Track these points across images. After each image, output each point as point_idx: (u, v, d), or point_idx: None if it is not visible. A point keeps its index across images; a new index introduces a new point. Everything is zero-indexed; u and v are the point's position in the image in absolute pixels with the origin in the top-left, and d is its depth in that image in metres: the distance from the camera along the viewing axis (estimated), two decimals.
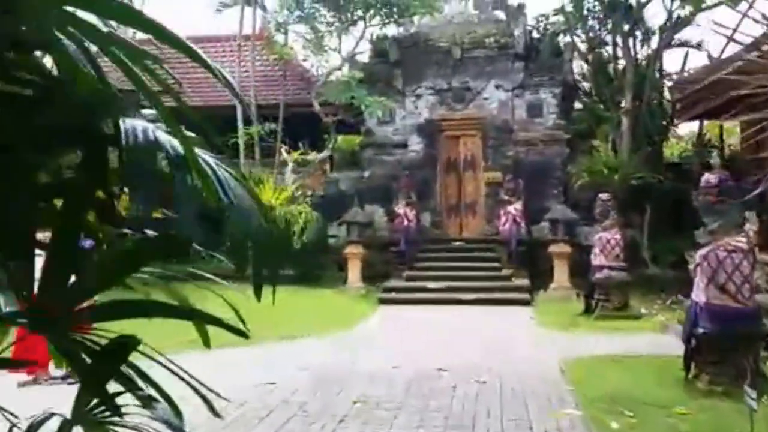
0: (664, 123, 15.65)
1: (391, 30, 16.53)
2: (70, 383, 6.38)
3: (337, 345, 8.52)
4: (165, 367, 1.42)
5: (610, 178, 13.26)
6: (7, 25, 0.90)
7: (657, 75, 15.36)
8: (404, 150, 15.69)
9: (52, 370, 6.41)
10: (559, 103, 14.94)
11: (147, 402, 1.18)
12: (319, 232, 14.64)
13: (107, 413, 1.09)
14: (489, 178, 15.07)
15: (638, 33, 15.32)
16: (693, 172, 13.78)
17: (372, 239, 14.39)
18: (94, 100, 1.05)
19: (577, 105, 17.00)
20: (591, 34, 15.83)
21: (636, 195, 13.22)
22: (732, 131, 17.81)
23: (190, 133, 1.17)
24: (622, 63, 15.57)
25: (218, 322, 1.23)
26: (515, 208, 13.68)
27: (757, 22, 4.27)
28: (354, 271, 13.57)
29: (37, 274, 1.18)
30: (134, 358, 1.38)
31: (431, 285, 12.74)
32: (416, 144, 15.64)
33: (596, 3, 15.32)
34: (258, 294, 1.17)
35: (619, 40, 15.13)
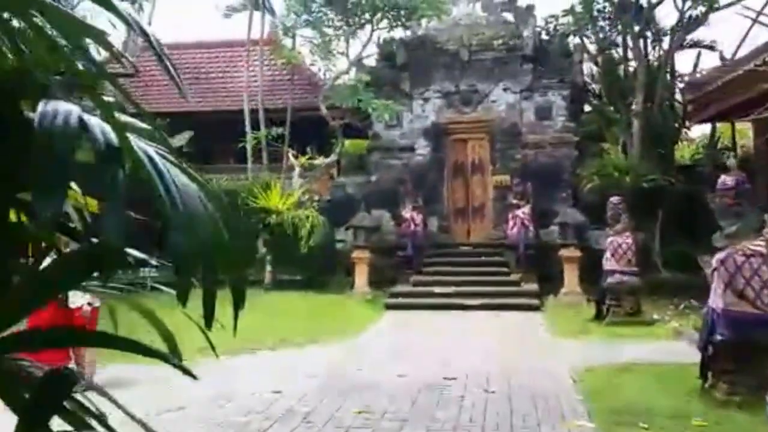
0: (676, 125, 15.35)
1: (399, 33, 16.41)
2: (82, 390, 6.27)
3: (344, 352, 8.33)
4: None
5: (620, 180, 12.99)
6: None
7: (668, 76, 15.07)
8: (411, 154, 15.52)
9: None
10: (569, 106, 14.71)
11: None
12: (326, 237, 14.51)
13: None
14: (497, 181, 14.85)
15: (649, 34, 15.03)
16: (706, 175, 13.50)
17: (379, 244, 14.22)
18: (9, 78, 0.87)
19: (587, 107, 16.74)
20: (601, 35, 15.57)
21: (647, 198, 12.93)
22: (744, 133, 17.47)
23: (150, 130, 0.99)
24: (632, 64, 15.32)
25: (151, 353, 1.02)
26: (524, 211, 13.45)
27: None
28: (361, 275, 13.39)
29: None
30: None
31: (438, 290, 12.53)
32: (423, 147, 15.46)
33: (606, 3, 15.07)
34: (208, 317, 0.96)
35: (629, 41, 14.87)
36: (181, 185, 0.82)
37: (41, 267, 0.91)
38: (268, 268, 13.98)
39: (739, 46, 14.07)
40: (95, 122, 0.77)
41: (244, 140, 16.65)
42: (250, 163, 16.88)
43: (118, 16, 0.89)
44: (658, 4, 14.70)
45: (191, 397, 5.97)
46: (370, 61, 16.44)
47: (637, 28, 14.57)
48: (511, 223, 13.54)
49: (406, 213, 14.13)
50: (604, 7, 15.15)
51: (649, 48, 15.31)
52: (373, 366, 7.37)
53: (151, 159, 0.80)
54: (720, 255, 6.00)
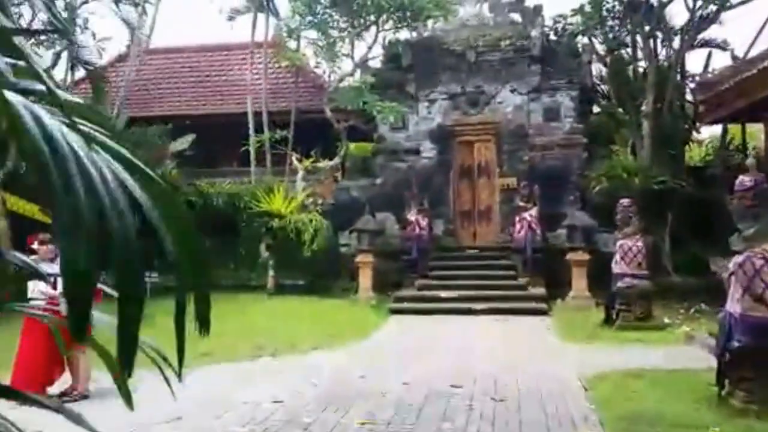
0: (686, 126, 15.13)
1: (404, 34, 16.28)
2: (65, 401, 6.14)
3: (347, 358, 8.16)
4: None
5: (630, 182, 12.79)
6: None
7: (679, 76, 14.86)
8: (417, 156, 15.38)
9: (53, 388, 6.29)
10: (577, 107, 14.52)
11: None
12: (330, 241, 14.37)
13: None
14: (504, 184, 14.68)
15: (659, 33, 14.82)
16: (717, 177, 13.29)
17: (383, 248, 14.06)
18: None
19: (595, 109, 16.54)
20: (610, 35, 15.38)
21: (657, 200, 12.73)
22: (754, 135, 17.24)
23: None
24: (642, 65, 15.13)
25: None
26: (531, 214, 13.27)
27: None
28: (365, 280, 13.24)
29: None
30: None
31: (444, 294, 12.36)
32: (429, 150, 15.31)
33: (616, 3, 14.87)
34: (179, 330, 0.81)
35: (639, 40, 14.67)
36: (88, 161, 0.65)
37: None
38: (271, 272, 13.84)
39: (751, 45, 13.91)
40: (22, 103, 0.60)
41: (247, 143, 16.55)
42: (254, 166, 16.77)
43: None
44: (668, 2, 14.51)
45: (189, 407, 5.81)
46: (376, 63, 16.33)
47: (647, 28, 14.37)
48: (518, 226, 13.36)
49: (411, 216, 13.97)
50: (614, 7, 14.96)
51: (659, 48, 15.12)
52: (378, 373, 7.20)
53: (37, 120, 0.62)
54: (738, 258, 5.80)
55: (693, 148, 17.56)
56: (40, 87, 0.70)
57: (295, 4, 15.68)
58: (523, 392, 6.20)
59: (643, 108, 14.23)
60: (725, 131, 15.21)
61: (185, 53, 21.24)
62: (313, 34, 16.10)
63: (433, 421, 5.36)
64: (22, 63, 0.69)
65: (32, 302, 6.15)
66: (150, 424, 5.20)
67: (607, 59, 15.79)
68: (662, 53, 15.21)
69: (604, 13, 14.96)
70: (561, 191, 13.99)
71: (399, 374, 7.08)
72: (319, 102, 15.99)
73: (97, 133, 0.72)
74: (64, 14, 15.21)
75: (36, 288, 6.10)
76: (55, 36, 15.07)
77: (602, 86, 16.66)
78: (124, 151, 0.73)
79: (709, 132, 18.24)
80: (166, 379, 1.16)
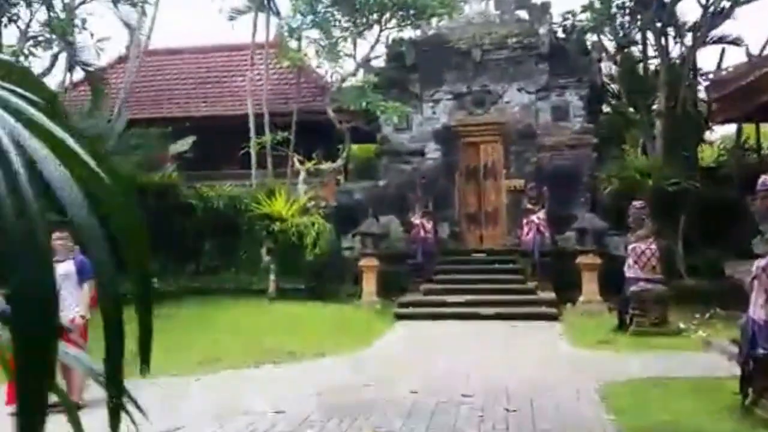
0: (699, 125, 14.91)
1: (408, 33, 16.12)
2: (59, 411, 5.96)
3: (352, 366, 7.96)
4: None
5: (642, 183, 12.58)
6: None
7: (691, 74, 14.65)
8: (421, 158, 15.20)
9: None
10: (586, 106, 14.32)
11: None
12: (333, 245, 14.20)
13: None
14: (511, 185, 14.49)
15: (671, 30, 14.61)
16: (732, 177, 13.08)
17: (387, 251, 13.90)
18: None
19: (605, 108, 16.33)
20: (620, 33, 15.18)
21: (670, 201, 12.51)
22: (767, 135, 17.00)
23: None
24: (653, 62, 14.94)
25: None
26: (539, 217, 13.07)
27: None
28: (369, 284, 13.05)
29: None
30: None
31: (450, 299, 12.16)
32: (434, 151, 15.14)
33: None
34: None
35: (650, 37, 14.47)
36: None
37: None
38: (272, 277, 13.65)
39: (767, 42, 13.69)
40: None
41: (248, 145, 16.40)
42: (255, 168, 16.61)
43: None
44: None
45: (189, 417, 5.64)
46: (379, 63, 16.16)
47: (658, 24, 14.16)
48: (526, 228, 13.16)
49: (416, 219, 13.79)
50: (624, 3, 14.76)
51: (671, 45, 14.92)
52: (384, 381, 7.00)
53: None
54: (761, 262, 5.59)
55: (705, 148, 17.33)
56: None
57: (296, 3, 15.53)
58: (536, 402, 5.99)
59: (656, 106, 14.02)
60: (740, 130, 14.98)
61: (185, 54, 21.14)
62: (314, 33, 15.97)
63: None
64: None
65: None
66: None
67: (617, 57, 15.61)
68: (674, 50, 15.02)
69: (614, 10, 14.78)
70: (570, 193, 13.79)
71: (406, 382, 6.87)
72: (321, 103, 15.84)
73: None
74: (62, 15, 15.08)
75: None
76: (53, 37, 14.97)
77: (612, 85, 16.46)
78: (59, 131, 0.55)
79: (721, 131, 18.03)
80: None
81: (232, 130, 17.47)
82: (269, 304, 12.91)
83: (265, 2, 17.44)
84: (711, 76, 14.68)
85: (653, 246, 9.96)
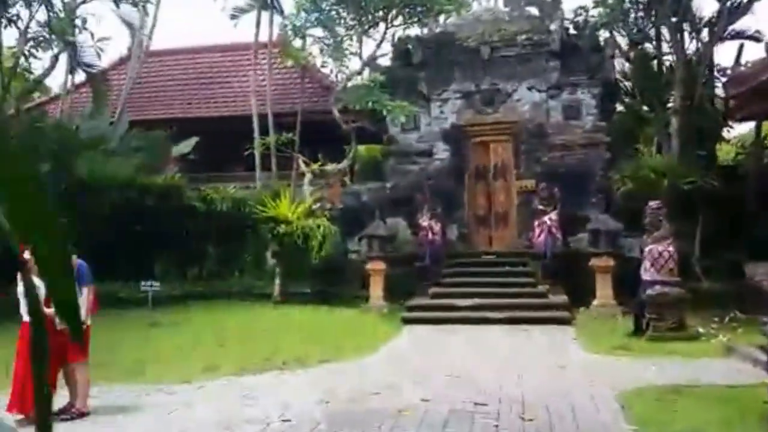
0: (717, 122, 14.67)
1: (415, 31, 15.98)
2: (63, 419, 5.86)
3: (359, 372, 7.81)
4: None
5: (657, 183, 12.36)
6: None
7: (708, 70, 14.42)
8: (429, 158, 15.04)
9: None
10: (599, 104, 14.11)
11: None
12: (339, 247, 14.08)
13: None
14: (521, 186, 14.31)
15: (686, 25, 14.38)
16: (750, 176, 12.86)
17: (395, 254, 13.75)
18: None
19: (618, 106, 16.10)
20: (634, 28, 14.95)
21: (686, 202, 12.30)
22: None
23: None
24: (667, 59, 14.71)
25: None
26: (551, 218, 12.89)
27: None
28: (376, 288, 12.90)
29: None
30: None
31: (459, 303, 11.99)
32: (442, 151, 14.98)
33: None
34: None
35: (665, 33, 14.25)
36: None
37: None
38: (277, 280, 13.52)
39: None
40: None
41: (252, 146, 16.29)
42: (259, 170, 16.50)
43: None
44: None
45: (192, 426, 5.49)
46: (385, 61, 16.02)
47: (673, 20, 13.93)
48: (537, 230, 12.98)
49: (424, 221, 13.64)
50: None
51: (687, 40, 14.66)
52: (393, 388, 6.84)
53: None
54: None
55: (722, 147, 17.07)
56: None
57: (300, 1, 15.41)
58: (553, 411, 5.82)
59: (671, 104, 13.80)
60: (759, 128, 14.74)
61: (188, 54, 21.09)
62: (319, 31, 15.85)
63: None
64: None
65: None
66: None
67: (631, 54, 15.39)
68: (690, 46, 14.78)
69: (628, 5, 14.57)
70: (583, 193, 13.58)
71: (416, 389, 6.72)
72: (327, 103, 15.71)
73: None
74: (62, 15, 15.02)
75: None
76: (53, 37, 14.90)
77: (625, 82, 16.23)
78: None
79: (739, 129, 17.75)
80: None
81: (236, 131, 17.37)
82: (274, 308, 12.79)
83: (269, 0, 17.35)
84: (729, 72, 14.45)
85: (671, 248, 9.76)
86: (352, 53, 15.82)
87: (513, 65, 14.50)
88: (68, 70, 17.62)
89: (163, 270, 15.07)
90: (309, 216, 13.76)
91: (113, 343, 9.31)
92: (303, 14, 15.56)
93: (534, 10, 15.07)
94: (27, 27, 14.67)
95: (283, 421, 5.69)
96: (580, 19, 15.34)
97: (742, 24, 14.90)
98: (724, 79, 14.55)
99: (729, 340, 9.09)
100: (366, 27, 15.42)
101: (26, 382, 5.85)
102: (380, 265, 13.00)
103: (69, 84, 18.17)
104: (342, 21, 15.54)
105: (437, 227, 13.62)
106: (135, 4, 17.02)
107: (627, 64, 16.10)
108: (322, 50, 16.12)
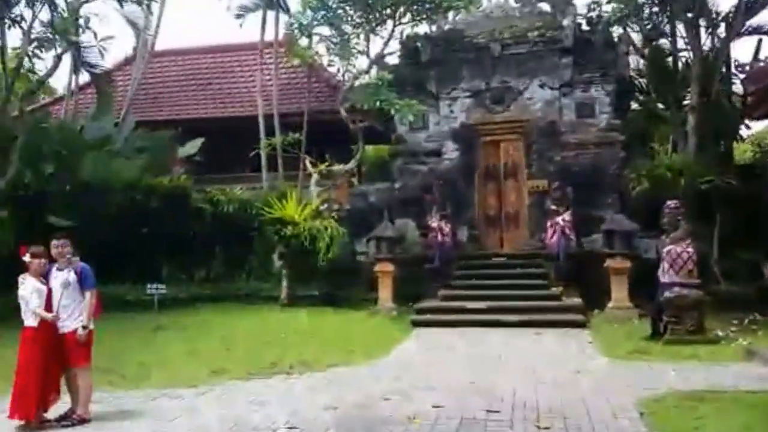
0: (734, 120, 14.45)
1: (423, 28, 15.84)
2: (63, 426, 5.79)
3: (368, 377, 7.69)
4: None
5: (674, 183, 12.16)
6: None
7: (725, 67, 14.21)
8: (438, 158, 14.93)
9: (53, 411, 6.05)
10: (613, 102, 13.92)
11: None
12: (346, 249, 13.99)
13: None
14: (533, 186, 14.16)
15: (702, 21, 14.17)
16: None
17: (404, 256, 13.64)
18: None
19: (632, 105, 15.90)
20: (648, 24, 14.75)
21: (704, 201, 12.10)
22: None
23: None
24: (683, 55, 14.52)
25: None
26: (564, 218, 12.71)
27: None
28: (384, 290, 12.79)
29: None
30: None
31: (470, 305, 11.85)
32: (452, 151, 14.85)
33: None
34: None
35: (680, 29, 14.05)
36: None
37: None
38: (284, 283, 13.43)
39: None
40: None
41: (258, 147, 16.22)
42: (265, 171, 16.43)
43: None
44: None
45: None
46: (393, 60, 15.88)
47: (689, 15, 13.73)
48: (550, 231, 12.81)
49: (433, 222, 13.52)
50: None
51: (703, 36, 14.46)
52: (403, 394, 6.70)
53: None
54: None
55: (740, 145, 16.85)
56: None
57: None
58: (569, 418, 5.66)
59: (688, 101, 13.60)
60: None
61: (193, 55, 21.08)
62: (325, 30, 15.73)
63: None
64: None
65: (28, 302, 5.85)
66: None
67: (645, 50, 15.19)
68: (706, 42, 14.56)
69: (641, 0, 14.35)
70: (597, 193, 13.40)
71: (427, 395, 6.59)
72: (333, 102, 15.63)
73: None
74: (65, 14, 15.01)
75: (32, 286, 5.84)
76: (56, 37, 14.89)
77: (640, 80, 16.03)
78: None
79: (757, 127, 17.53)
80: None
81: (242, 131, 17.33)
82: (281, 311, 12.71)
83: None
84: (747, 68, 14.22)
85: (690, 249, 9.55)
86: (359, 52, 15.71)
87: (524, 62, 14.35)
88: (72, 70, 17.64)
89: (170, 272, 15.04)
90: (316, 217, 13.66)
91: (118, 346, 9.25)
92: (309, 12, 15.45)
93: (546, 6, 14.93)
94: (30, 27, 14.67)
95: (289, 428, 5.58)
96: (593, 14, 15.16)
97: (760, 19, 14.73)
98: (741, 76, 14.37)
99: (749, 344, 8.91)
100: (373, 25, 15.29)
101: (28, 387, 5.78)
102: (389, 267, 12.88)
103: (73, 85, 18.19)
104: (349, 19, 15.42)
105: (447, 228, 13.49)
106: (139, 3, 17.01)
107: (641, 61, 15.90)
108: (328, 49, 16.02)
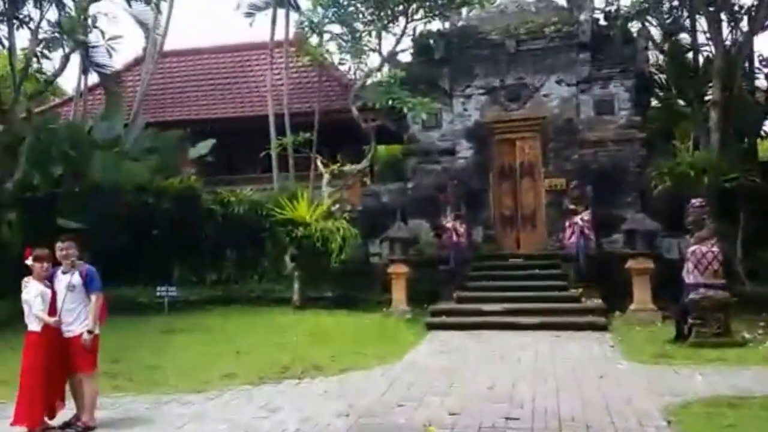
0: (759, 116, 14.13)
1: (436, 25, 15.68)
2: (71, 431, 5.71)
3: (382, 382, 7.52)
4: None
5: (697, 181, 11.89)
6: None
7: (747, 61, 13.90)
8: (452, 157, 14.75)
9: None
10: (633, 98, 13.64)
11: None
12: (359, 250, 13.87)
13: None
14: (550, 185, 13.92)
15: (724, 14, 13.87)
16: None
17: (417, 257, 13.48)
18: None
19: (652, 101, 15.60)
20: (668, 19, 14.47)
21: (727, 200, 11.81)
22: None
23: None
24: (704, 50, 14.22)
25: None
26: (582, 218, 12.49)
27: None
28: (398, 292, 12.64)
29: None
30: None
31: (486, 308, 11.67)
32: (466, 150, 14.67)
33: None
34: None
35: (701, 23, 13.78)
36: None
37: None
38: (296, 285, 13.31)
39: None
40: None
41: (269, 147, 16.14)
42: (276, 171, 16.34)
43: None
44: None
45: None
46: (405, 57, 15.73)
47: (710, 9, 13.43)
48: (568, 231, 12.59)
49: (448, 222, 13.36)
50: None
51: (725, 30, 14.15)
52: (418, 400, 6.54)
53: None
54: None
55: (765, 141, 16.49)
56: None
57: None
58: (593, 427, 5.47)
59: (710, 97, 13.31)
60: None
61: (202, 54, 21.07)
62: (336, 28, 15.59)
63: None
64: None
65: (32, 306, 5.77)
66: None
67: (665, 45, 14.91)
68: (728, 37, 14.25)
69: None
70: (616, 192, 13.16)
71: (443, 402, 6.42)
72: (345, 101, 15.49)
73: None
74: (73, 14, 15.00)
75: (36, 289, 5.76)
76: (64, 37, 14.88)
77: (660, 75, 15.74)
78: None
79: None
80: None
81: (252, 131, 17.26)
82: (294, 313, 12.61)
83: None
84: None
85: (715, 248, 9.30)
86: (371, 49, 15.55)
87: (540, 59, 14.12)
88: (81, 71, 17.66)
89: (181, 275, 15.01)
90: (328, 218, 13.53)
91: (127, 350, 9.18)
92: (320, 10, 15.33)
93: (562, 1, 14.71)
94: (38, 27, 14.68)
95: None
96: (611, 9, 14.91)
97: None
98: (765, 70, 14.09)
99: None
100: (385, 22, 15.14)
101: (33, 394, 5.69)
102: (402, 269, 12.74)
103: (82, 86, 18.22)
104: (360, 16, 15.27)
105: (462, 228, 13.34)
106: (148, 3, 16.98)
107: (661, 56, 15.61)
108: (340, 47, 15.85)
